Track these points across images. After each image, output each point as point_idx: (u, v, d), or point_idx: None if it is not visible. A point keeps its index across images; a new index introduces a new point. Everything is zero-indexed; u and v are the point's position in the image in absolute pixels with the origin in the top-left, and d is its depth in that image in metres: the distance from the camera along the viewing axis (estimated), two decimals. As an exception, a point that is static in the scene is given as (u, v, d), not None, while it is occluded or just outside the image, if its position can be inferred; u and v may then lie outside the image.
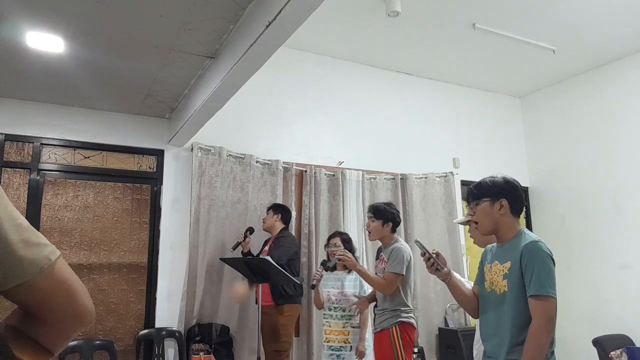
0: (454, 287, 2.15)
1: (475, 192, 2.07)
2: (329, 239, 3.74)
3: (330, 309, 3.51)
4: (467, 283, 2.50)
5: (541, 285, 1.81)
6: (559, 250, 6.07)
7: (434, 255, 2.14)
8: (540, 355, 1.79)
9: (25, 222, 0.70)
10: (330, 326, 3.50)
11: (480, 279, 2.11)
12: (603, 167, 5.46)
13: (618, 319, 4.99)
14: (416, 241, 2.23)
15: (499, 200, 2.00)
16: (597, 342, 4.44)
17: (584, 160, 5.66)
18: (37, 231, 0.72)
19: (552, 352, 1.87)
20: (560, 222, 5.83)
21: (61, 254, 0.75)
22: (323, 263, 3.48)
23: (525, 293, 1.86)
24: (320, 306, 3.61)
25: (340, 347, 3.42)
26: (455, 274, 2.74)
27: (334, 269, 3.51)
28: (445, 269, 2.12)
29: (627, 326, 4.85)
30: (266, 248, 3.99)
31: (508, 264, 1.93)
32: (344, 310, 3.46)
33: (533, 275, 1.83)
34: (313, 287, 3.35)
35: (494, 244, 2.12)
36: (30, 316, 0.73)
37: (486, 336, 2.02)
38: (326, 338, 3.51)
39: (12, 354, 0.65)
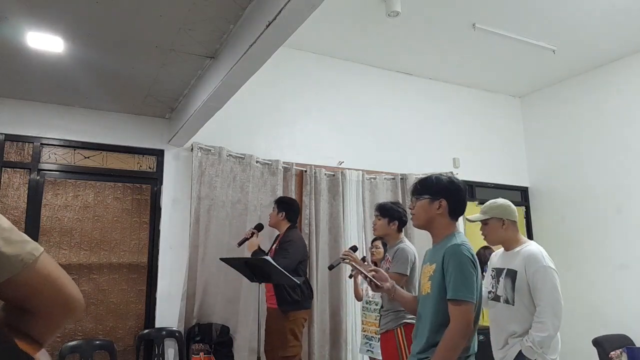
0: (401, 299, 2.21)
1: (419, 188, 2.09)
2: (372, 242, 4.02)
3: (367, 302, 3.82)
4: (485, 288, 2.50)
5: (457, 290, 1.82)
6: (559, 250, 6.07)
7: (370, 275, 2.13)
8: (451, 358, 1.80)
9: (7, 223, 0.74)
10: (366, 317, 3.84)
11: (420, 280, 2.13)
12: (603, 167, 5.46)
13: (618, 319, 4.99)
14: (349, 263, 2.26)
15: (438, 200, 2.02)
16: (597, 342, 4.44)
17: (584, 160, 5.66)
18: (18, 230, 0.75)
19: (467, 357, 1.87)
20: (560, 222, 5.83)
21: (45, 249, 0.78)
22: (363, 259, 3.72)
23: (444, 296, 1.86)
24: (359, 298, 3.99)
25: (372, 336, 3.69)
26: None
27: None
28: (387, 284, 2.12)
29: (627, 326, 4.85)
30: (274, 247, 3.85)
31: (434, 266, 1.95)
32: (377, 305, 3.66)
33: (451, 279, 1.84)
34: (351, 276, 3.62)
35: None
36: (20, 309, 0.77)
37: (414, 335, 2.05)
38: (363, 328, 3.88)
39: (15, 344, 0.69)
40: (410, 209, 2.14)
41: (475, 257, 1.92)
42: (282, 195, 4.47)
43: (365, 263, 3.60)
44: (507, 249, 2.63)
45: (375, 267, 2.27)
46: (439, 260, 1.92)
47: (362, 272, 2.19)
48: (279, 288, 3.61)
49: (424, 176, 2.18)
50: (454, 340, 1.79)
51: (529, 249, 2.51)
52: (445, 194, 2.02)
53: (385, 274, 2.18)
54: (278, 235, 3.95)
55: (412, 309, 2.18)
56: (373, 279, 2.12)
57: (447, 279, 1.86)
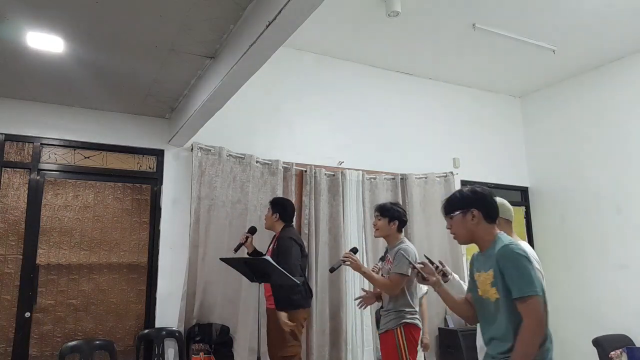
0: (444, 295, 2.26)
1: (448, 207, 2.18)
2: None
3: None
4: (465, 285, 2.52)
5: (519, 288, 1.88)
6: (558, 250, 6.06)
7: (418, 266, 2.31)
8: (530, 354, 1.85)
9: None
10: None
11: (472, 286, 2.17)
12: (603, 167, 5.46)
13: (618, 319, 4.99)
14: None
15: (470, 211, 2.08)
16: (597, 342, 4.44)
17: (584, 160, 5.67)
18: None
19: (548, 349, 1.91)
20: (560, 222, 5.83)
21: None
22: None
23: (511, 297, 1.92)
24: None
25: None
26: (455, 276, 2.75)
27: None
28: (433, 278, 2.26)
29: (627, 326, 4.85)
30: (271, 246, 3.83)
31: (491, 272, 2.00)
32: None
33: (511, 280, 1.90)
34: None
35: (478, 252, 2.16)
36: None
37: (488, 341, 2.08)
38: None
39: None
40: (448, 228, 2.20)
41: (527, 252, 1.96)
42: (281, 195, 4.46)
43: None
44: None
45: (424, 261, 2.37)
46: (494, 265, 1.97)
47: (411, 263, 2.34)
48: (277, 290, 3.57)
49: (447, 197, 2.27)
50: (531, 337, 1.85)
51: None
52: (474, 203, 2.09)
53: (432, 267, 2.31)
54: (275, 235, 3.95)
55: (458, 311, 2.25)
56: (421, 271, 2.28)
57: (507, 280, 1.91)
